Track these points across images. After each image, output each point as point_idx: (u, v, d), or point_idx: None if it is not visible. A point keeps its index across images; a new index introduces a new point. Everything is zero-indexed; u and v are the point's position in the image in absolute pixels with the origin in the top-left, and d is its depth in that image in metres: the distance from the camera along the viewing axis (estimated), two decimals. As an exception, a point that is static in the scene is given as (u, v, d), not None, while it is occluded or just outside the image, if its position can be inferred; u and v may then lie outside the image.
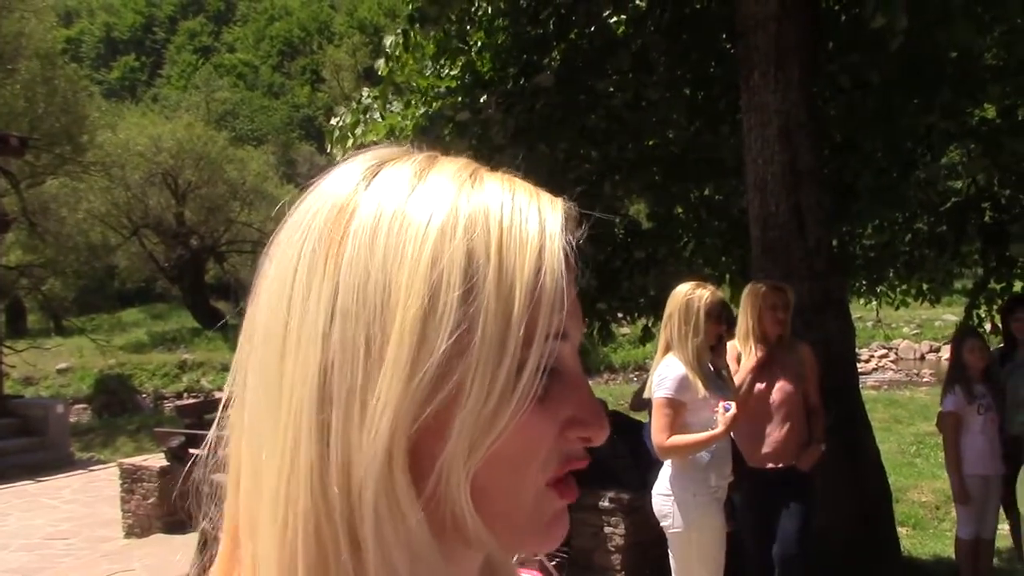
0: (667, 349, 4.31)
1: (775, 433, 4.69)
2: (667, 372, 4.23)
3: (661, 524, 4.41)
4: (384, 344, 0.57)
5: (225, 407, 0.67)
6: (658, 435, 4.23)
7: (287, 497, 0.58)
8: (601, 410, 0.64)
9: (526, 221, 0.60)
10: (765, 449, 4.75)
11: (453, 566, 0.62)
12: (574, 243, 0.64)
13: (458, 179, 0.62)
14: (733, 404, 4.30)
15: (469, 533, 0.59)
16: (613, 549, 6.09)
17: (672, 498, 4.31)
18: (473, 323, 0.57)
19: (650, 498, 4.48)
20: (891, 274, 8.45)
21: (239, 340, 0.66)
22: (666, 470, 4.39)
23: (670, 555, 4.46)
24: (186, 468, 0.70)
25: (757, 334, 4.85)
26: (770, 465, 4.77)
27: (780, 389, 4.82)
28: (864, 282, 8.63)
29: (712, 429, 4.20)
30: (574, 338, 0.63)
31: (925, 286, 8.39)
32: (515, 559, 0.74)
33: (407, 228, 0.59)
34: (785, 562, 4.81)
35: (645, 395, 4.50)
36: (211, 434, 0.69)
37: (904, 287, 8.62)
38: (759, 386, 4.84)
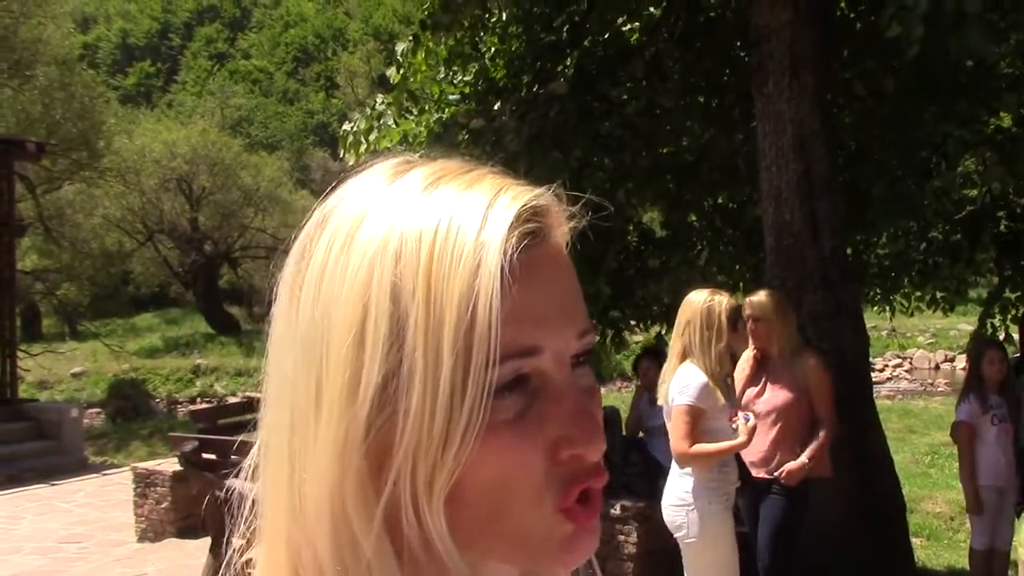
0: (684, 356, 4.28)
1: (758, 443, 4.65)
2: (689, 380, 4.19)
3: (675, 535, 4.37)
4: (327, 377, 0.58)
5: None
6: (680, 443, 4.20)
7: (274, 548, 0.62)
8: (591, 423, 0.61)
9: (460, 238, 0.57)
10: (750, 458, 4.72)
11: None
12: (568, 233, 0.64)
13: (416, 188, 0.60)
14: (752, 414, 4.31)
15: (449, 567, 0.58)
16: (625, 557, 6.07)
17: (688, 507, 4.27)
18: (401, 357, 0.56)
19: (660, 508, 4.47)
20: (906, 283, 8.42)
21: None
22: (679, 479, 4.35)
23: (685, 565, 4.44)
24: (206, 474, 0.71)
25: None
26: (755, 473, 4.75)
27: (767, 400, 4.80)
28: (879, 291, 8.61)
29: (731, 439, 4.21)
30: (553, 349, 0.60)
31: (939, 295, 8.36)
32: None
33: (348, 258, 0.59)
34: (762, 570, 4.79)
35: (660, 402, 4.46)
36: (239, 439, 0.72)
37: (918, 295, 8.59)
38: (748, 396, 4.84)
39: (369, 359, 0.56)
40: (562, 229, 0.64)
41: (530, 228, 0.59)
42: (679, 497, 4.31)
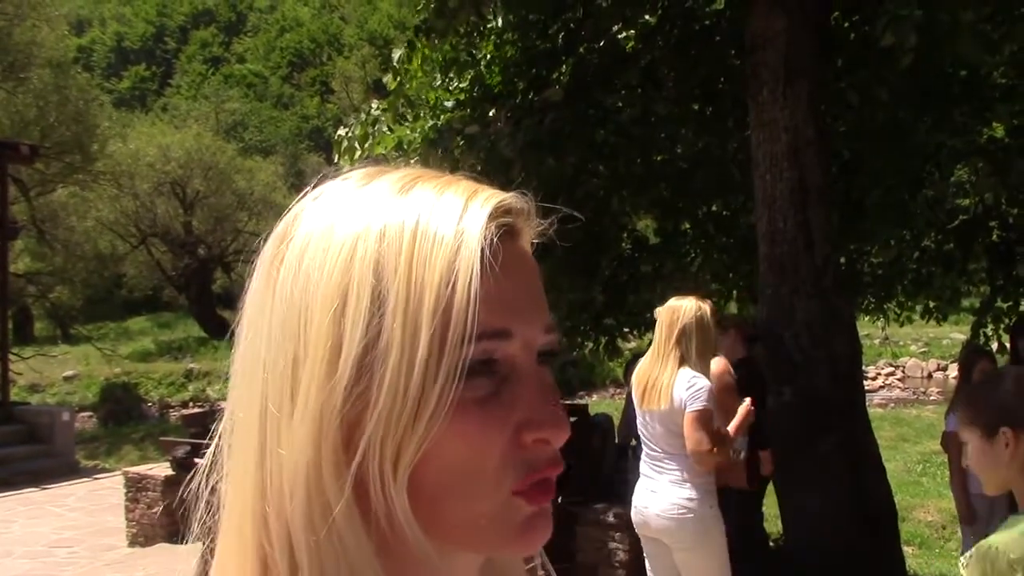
0: (681, 363, 4.27)
1: None
2: (700, 384, 4.21)
3: (674, 543, 4.32)
4: (305, 357, 0.59)
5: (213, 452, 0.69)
6: (701, 445, 4.17)
7: (239, 528, 0.62)
8: (558, 410, 0.63)
9: (442, 224, 0.60)
10: None
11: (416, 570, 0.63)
12: (534, 234, 0.66)
13: (390, 189, 0.63)
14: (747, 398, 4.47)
15: (410, 541, 0.60)
16: (617, 565, 6.07)
17: (690, 513, 4.25)
18: (380, 331, 0.58)
19: (646, 516, 4.42)
20: (899, 292, 8.44)
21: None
22: (675, 487, 4.30)
23: (686, 571, 4.43)
24: (187, 478, 0.71)
25: None
26: None
27: None
28: (872, 299, 8.63)
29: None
30: (523, 336, 0.62)
31: (932, 304, 8.38)
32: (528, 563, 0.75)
33: (328, 245, 0.61)
34: None
35: (654, 407, 4.38)
36: (213, 448, 0.70)
37: (911, 304, 8.62)
38: None
39: (350, 330, 0.58)
40: (529, 231, 0.67)
41: (505, 222, 0.63)
42: (679, 504, 4.26)
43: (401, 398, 0.57)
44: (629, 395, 4.50)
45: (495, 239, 0.61)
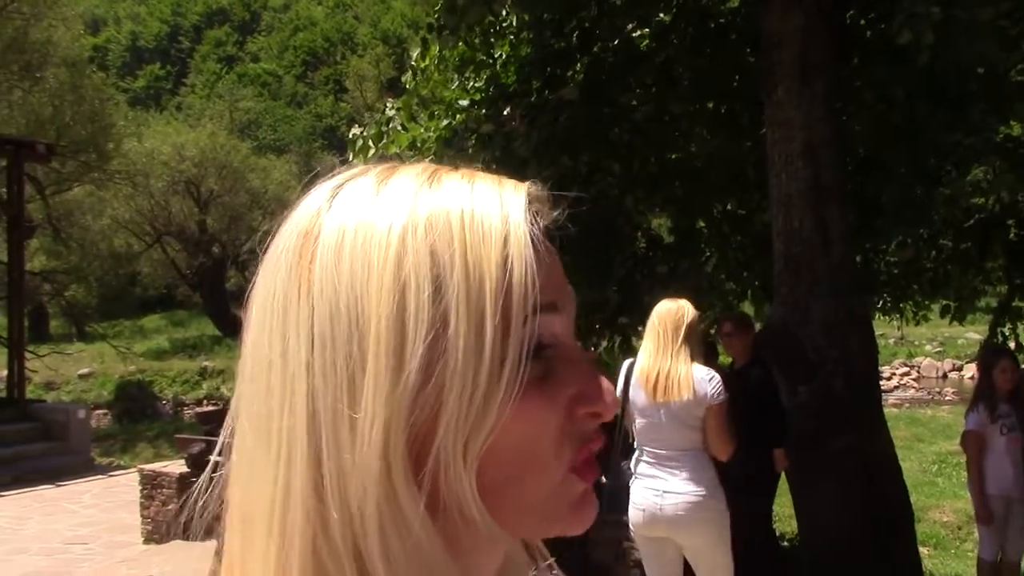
0: (693, 359, 4.35)
1: None
2: (717, 377, 4.36)
3: (692, 536, 4.35)
4: (363, 358, 0.58)
5: (223, 449, 0.67)
6: (730, 436, 4.33)
7: (282, 530, 0.58)
8: (605, 383, 0.64)
9: (487, 212, 0.60)
10: None
11: (470, 569, 0.62)
12: (547, 223, 0.66)
13: (416, 183, 0.62)
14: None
15: (480, 530, 0.59)
16: (632, 564, 6.06)
17: (712, 508, 4.31)
18: (446, 321, 0.57)
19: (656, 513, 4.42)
20: (915, 291, 8.39)
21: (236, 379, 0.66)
22: (693, 484, 4.31)
23: (701, 569, 4.46)
24: (200, 480, 0.69)
25: None
26: None
27: None
28: (888, 299, 8.58)
29: None
30: (566, 311, 0.64)
31: (949, 303, 8.33)
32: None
33: (369, 239, 0.60)
34: None
35: (675, 398, 4.32)
36: (216, 449, 0.69)
37: (928, 303, 8.57)
38: None
39: (413, 327, 0.57)
40: (545, 220, 0.67)
41: (536, 208, 0.64)
42: (697, 500, 4.28)
43: (471, 386, 0.57)
44: (625, 393, 4.47)
45: (536, 221, 0.62)
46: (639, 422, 4.44)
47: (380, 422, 0.57)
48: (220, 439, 0.67)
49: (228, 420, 0.66)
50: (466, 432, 0.57)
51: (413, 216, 0.60)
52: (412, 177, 0.63)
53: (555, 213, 0.69)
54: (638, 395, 4.37)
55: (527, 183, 0.66)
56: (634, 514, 4.45)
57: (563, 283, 0.65)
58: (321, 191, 0.66)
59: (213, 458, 0.68)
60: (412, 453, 0.58)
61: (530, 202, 0.64)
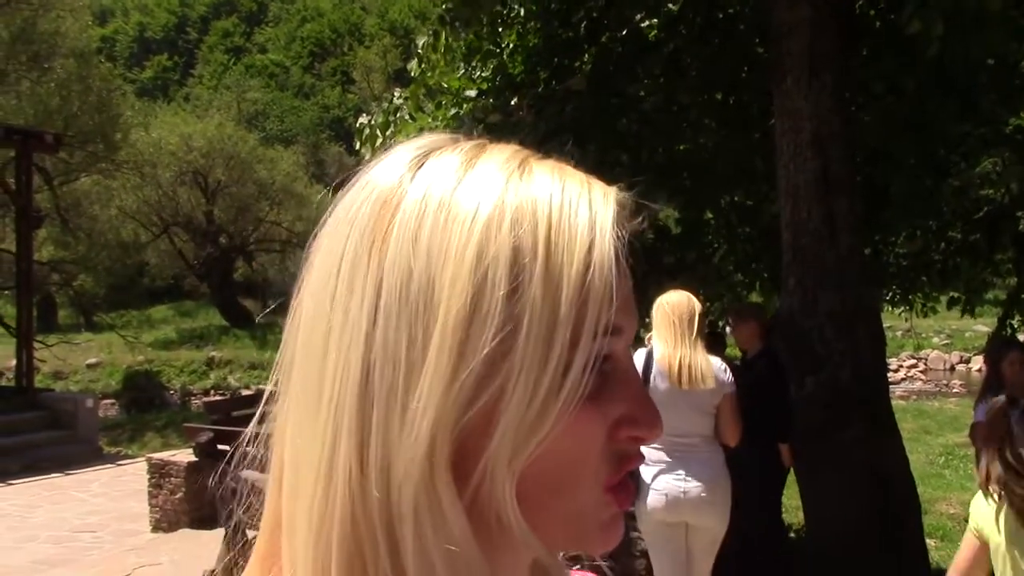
0: (706, 349, 4.52)
1: None
2: (726, 367, 4.58)
3: (708, 519, 4.51)
4: (426, 344, 0.56)
5: (267, 403, 0.66)
6: (739, 423, 4.57)
7: (324, 496, 0.57)
8: (654, 407, 0.62)
9: (576, 214, 0.58)
10: None
11: (498, 569, 0.61)
12: (627, 235, 0.61)
13: (506, 169, 0.60)
14: None
15: (515, 536, 0.58)
16: (638, 554, 6.07)
17: (725, 491, 4.51)
18: (519, 323, 0.55)
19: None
20: (924, 283, 8.37)
21: (284, 334, 0.65)
22: (709, 468, 4.49)
23: (709, 557, 4.62)
24: (220, 465, 0.69)
25: None
26: None
27: None
28: (897, 291, 8.56)
29: None
30: (627, 334, 0.61)
31: (958, 295, 8.30)
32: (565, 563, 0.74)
33: (452, 222, 0.57)
34: None
35: (708, 385, 4.46)
36: (249, 429, 0.68)
37: (935, 295, 8.54)
38: None
39: (484, 323, 0.55)
40: (628, 225, 0.64)
41: (622, 219, 0.62)
42: (716, 483, 4.49)
43: (530, 394, 0.55)
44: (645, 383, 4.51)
45: (624, 234, 0.60)
46: (662, 412, 4.49)
47: (431, 415, 0.55)
48: (267, 388, 0.66)
49: (275, 370, 0.65)
50: (517, 439, 0.56)
51: (499, 207, 0.58)
52: (502, 161, 0.61)
53: (636, 221, 0.65)
54: (661, 384, 4.44)
55: (615, 188, 0.63)
56: (655, 500, 4.50)
57: (631, 302, 0.63)
58: (402, 156, 0.63)
59: (260, 409, 0.67)
60: (457, 448, 0.56)
61: (622, 205, 0.62)
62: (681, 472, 4.46)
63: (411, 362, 0.56)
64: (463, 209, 0.58)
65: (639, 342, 8.41)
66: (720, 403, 4.49)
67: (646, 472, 4.52)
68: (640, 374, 4.38)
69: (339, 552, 0.56)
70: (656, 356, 4.49)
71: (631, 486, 0.63)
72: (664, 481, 4.48)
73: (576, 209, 0.58)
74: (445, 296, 0.56)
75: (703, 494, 4.43)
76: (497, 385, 0.55)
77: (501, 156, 0.62)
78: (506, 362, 0.55)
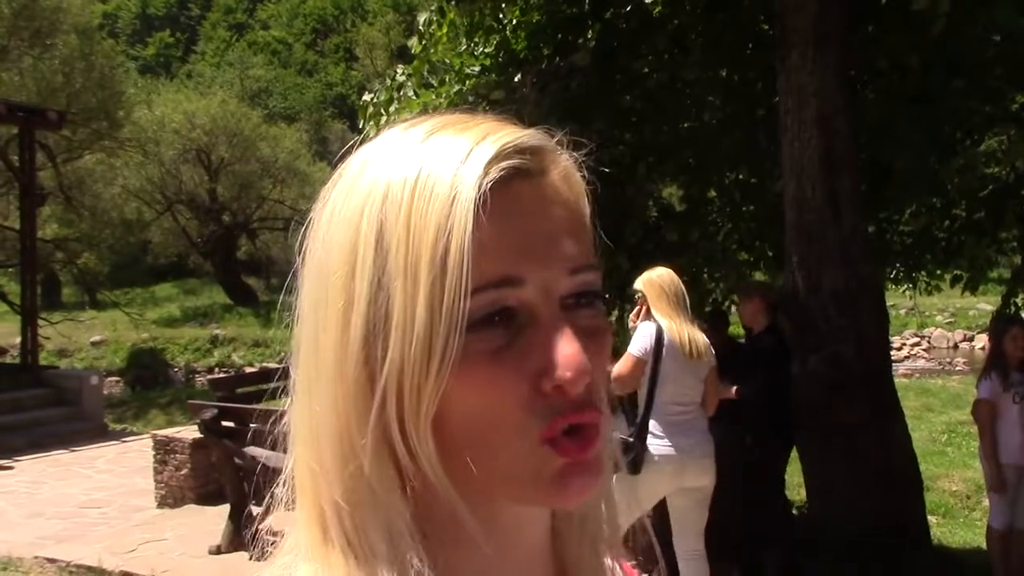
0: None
1: None
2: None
3: (709, 480, 4.79)
4: (326, 315, 0.62)
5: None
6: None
7: (302, 485, 0.65)
8: (574, 356, 0.59)
9: (440, 176, 0.59)
10: None
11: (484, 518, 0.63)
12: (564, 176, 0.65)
13: (413, 139, 0.63)
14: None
15: (440, 492, 0.61)
16: (638, 528, 6.09)
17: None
18: (385, 288, 0.59)
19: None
20: (929, 261, 8.33)
21: None
22: (706, 432, 4.84)
23: (703, 506, 4.91)
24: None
25: None
26: None
27: None
28: (902, 269, 8.52)
29: None
30: (539, 281, 0.60)
31: (961, 273, 8.27)
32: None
33: (349, 200, 0.63)
34: None
35: (708, 359, 4.77)
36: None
37: (941, 273, 8.51)
38: None
39: (359, 288, 0.60)
40: (560, 170, 0.65)
41: (514, 164, 0.61)
42: (711, 447, 4.83)
43: (408, 354, 0.58)
44: (658, 357, 4.61)
45: (489, 185, 0.59)
46: (671, 383, 4.69)
47: (330, 370, 0.62)
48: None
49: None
50: (412, 396, 0.59)
51: (379, 180, 0.62)
52: (419, 131, 0.64)
53: (572, 159, 0.67)
54: (673, 357, 4.63)
55: (523, 133, 0.63)
56: (665, 466, 4.69)
57: (544, 248, 0.61)
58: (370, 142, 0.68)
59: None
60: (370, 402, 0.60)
61: (521, 153, 0.61)
62: (690, 438, 4.72)
63: (322, 320, 0.63)
64: (359, 186, 0.63)
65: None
66: (707, 375, 4.78)
67: (657, 443, 4.66)
68: (652, 349, 4.53)
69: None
70: (665, 330, 4.61)
71: (586, 437, 0.61)
72: (674, 448, 4.68)
73: (443, 169, 0.60)
74: (333, 266, 0.62)
75: (705, 456, 4.74)
76: (381, 345, 0.60)
77: (427, 125, 0.65)
78: (382, 324, 0.60)
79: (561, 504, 0.65)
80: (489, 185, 0.59)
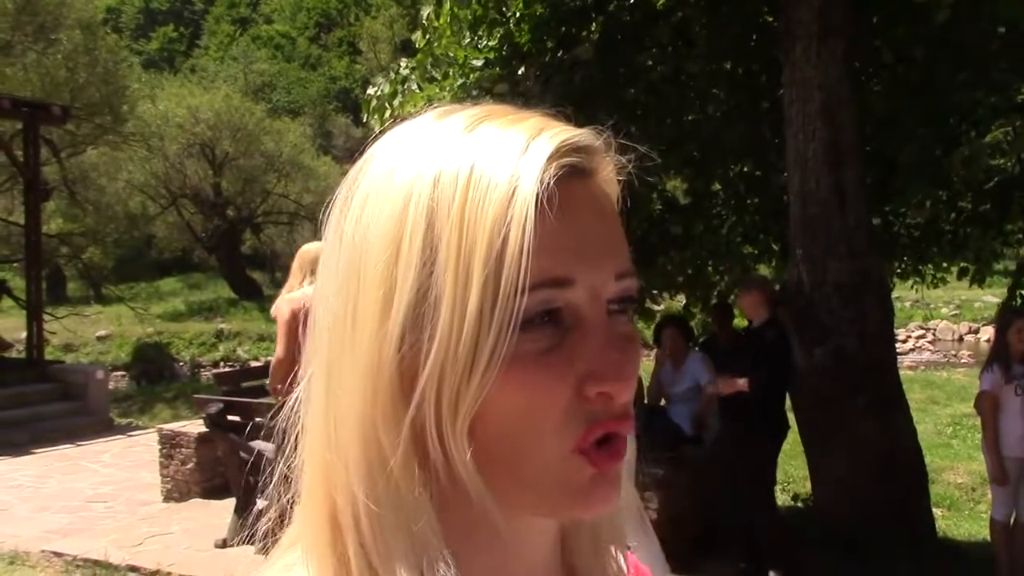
0: None
1: None
2: None
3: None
4: (361, 306, 0.59)
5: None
6: None
7: (311, 479, 0.62)
8: (623, 363, 0.59)
9: (497, 168, 0.57)
10: None
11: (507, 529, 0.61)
12: (608, 176, 0.63)
13: (454, 129, 0.61)
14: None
15: (472, 497, 0.59)
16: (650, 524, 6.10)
17: None
18: (434, 280, 0.57)
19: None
20: (934, 253, 8.31)
21: None
22: None
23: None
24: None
25: None
26: None
27: None
28: (908, 262, 8.51)
29: None
30: (589, 284, 0.59)
31: (967, 265, 8.25)
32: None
33: (387, 190, 0.60)
34: None
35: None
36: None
37: (945, 266, 8.50)
38: None
39: (402, 277, 0.57)
40: (607, 171, 0.64)
41: (571, 162, 0.59)
42: None
43: (454, 350, 0.56)
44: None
45: (551, 182, 0.57)
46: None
47: (364, 361, 0.58)
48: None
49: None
50: (452, 395, 0.56)
51: (426, 169, 0.59)
52: (457, 122, 0.62)
53: (621, 162, 0.65)
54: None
55: (577, 132, 0.61)
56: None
57: (595, 250, 0.60)
58: (385, 132, 0.66)
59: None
60: (404, 402, 0.58)
61: (576, 152, 0.60)
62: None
63: (354, 326, 0.59)
64: (399, 176, 0.60)
65: (648, 314, 8.41)
66: None
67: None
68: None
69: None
70: None
71: (617, 449, 0.60)
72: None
73: (500, 162, 0.57)
74: (371, 257, 0.59)
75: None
76: (419, 338, 0.57)
77: (462, 115, 0.62)
78: (426, 317, 0.57)
79: (580, 515, 0.63)
80: (547, 183, 0.57)
